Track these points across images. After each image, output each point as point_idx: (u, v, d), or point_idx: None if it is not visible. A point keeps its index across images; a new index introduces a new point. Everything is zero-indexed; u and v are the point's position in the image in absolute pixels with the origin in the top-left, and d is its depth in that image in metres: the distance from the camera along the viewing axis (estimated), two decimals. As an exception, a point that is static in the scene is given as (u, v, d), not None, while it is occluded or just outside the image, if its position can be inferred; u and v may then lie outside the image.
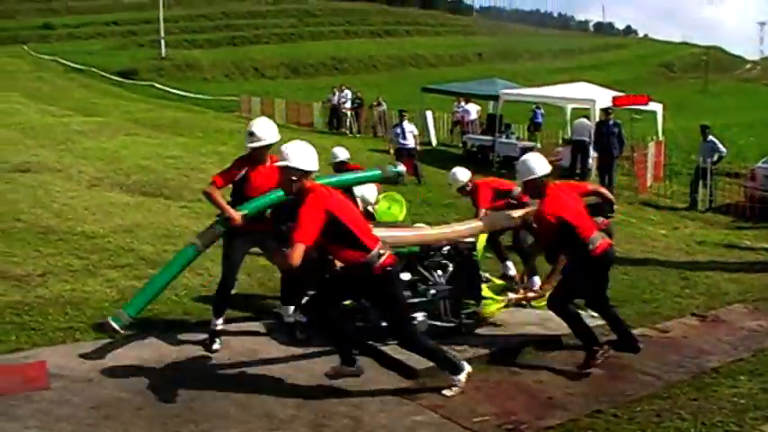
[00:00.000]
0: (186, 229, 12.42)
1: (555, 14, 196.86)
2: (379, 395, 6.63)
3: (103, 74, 58.01)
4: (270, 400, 6.45)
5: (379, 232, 6.81)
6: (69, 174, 18.27)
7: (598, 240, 7.31)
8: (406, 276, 7.66)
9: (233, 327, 8.04)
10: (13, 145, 22.53)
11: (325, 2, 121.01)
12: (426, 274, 7.89)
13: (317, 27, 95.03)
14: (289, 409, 6.30)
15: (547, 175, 7.44)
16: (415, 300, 7.65)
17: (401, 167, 8.95)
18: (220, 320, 7.58)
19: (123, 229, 12.50)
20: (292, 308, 7.97)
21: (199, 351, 7.45)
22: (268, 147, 7.41)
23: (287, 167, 6.17)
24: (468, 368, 6.71)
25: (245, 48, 76.79)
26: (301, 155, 6.23)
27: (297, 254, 5.87)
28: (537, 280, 9.11)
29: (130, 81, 55.40)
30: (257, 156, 7.40)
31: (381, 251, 6.29)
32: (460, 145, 28.19)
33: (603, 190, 8.58)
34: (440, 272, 7.98)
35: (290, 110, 36.70)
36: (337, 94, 33.50)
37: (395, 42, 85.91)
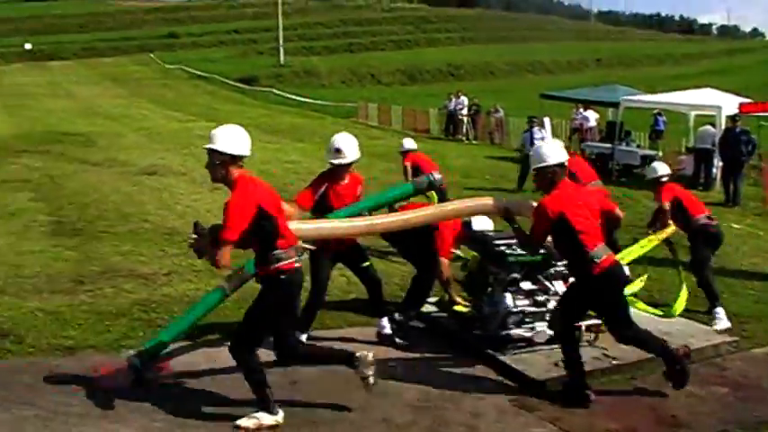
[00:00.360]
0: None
1: (676, 18, 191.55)
2: (496, 405, 6.55)
3: (225, 81, 59.69)
4: (387, 404, 6.48)
5: (308, 225, 6.81)
6: (193, 177, 18.91)
7: (602, 255, 6.35)
8: (526, 285, 7.57)
9: (351, 332, 8.14)
10: (140, 149, 23.50)
11: (440, 8, 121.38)
12: (547, 283, 7.77)
13: (433, 33, 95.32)
14: (407, 415, 6.33)
15: (560, 165, 6.53)
16: (536, 309, 7.55)
17: (436, 175, 8.32)
18: (304, 336, 7.55)
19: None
20: (386, 318, 7.97)
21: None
22: (350, 164, 7.44)
23: (212, 151, 5.66)
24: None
25: (361, 54, 77.75)
26: (229, 138, 5.70)
27: (225, 254, 5.52)
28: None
29: (250, 87, 56.83)
30: (339, 172, 7.45)
31: (298, 251, 5.89)
32: (579, 152, 27.69)
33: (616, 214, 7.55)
34: (560, 282, 7.82)
35: (406, 116, 36.82)
36: (454, 100, 33.40)
37: (512, 48, 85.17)
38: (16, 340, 7.72)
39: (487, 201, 7.32)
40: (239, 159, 5.72)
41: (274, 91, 53.56)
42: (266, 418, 5.92)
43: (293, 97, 49.88)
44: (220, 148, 5.65)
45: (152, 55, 78.62)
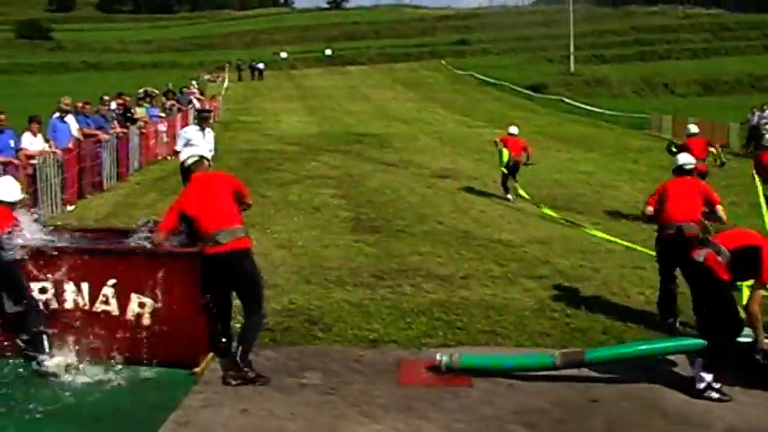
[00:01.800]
0: (599, 245, 12.28)
1: None
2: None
3: (514, 87, 59.95)
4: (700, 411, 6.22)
5: None
6: (485, 182, 19.15)
7: None
8: None
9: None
10: (432, 152, 24.16)
11: (741, 14, 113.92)
12: None
13: (733, 41, 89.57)
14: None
15: None
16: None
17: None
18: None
19: (538, 241, 12.76)
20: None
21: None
22: None
23: None
24: None
25: (654, 63, 74.88)
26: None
27: None
28: None
29: (539, 95, 56.64)
30: None
31: None
32: None
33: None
34: None
35: (703, 130, 34.85)
36: (758, 114, 31.19)
37: (824, 57, 78.09)
38: (325, 328, 8.18)
39: None
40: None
41: (564, 99, 52.98)
42: None
43: (583, 106, 49.06)
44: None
45: (443, 61, 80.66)
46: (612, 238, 12.20)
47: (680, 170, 9.11)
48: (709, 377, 6.78)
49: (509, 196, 16.97)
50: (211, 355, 7.18)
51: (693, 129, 17.26)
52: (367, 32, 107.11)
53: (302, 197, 16.26)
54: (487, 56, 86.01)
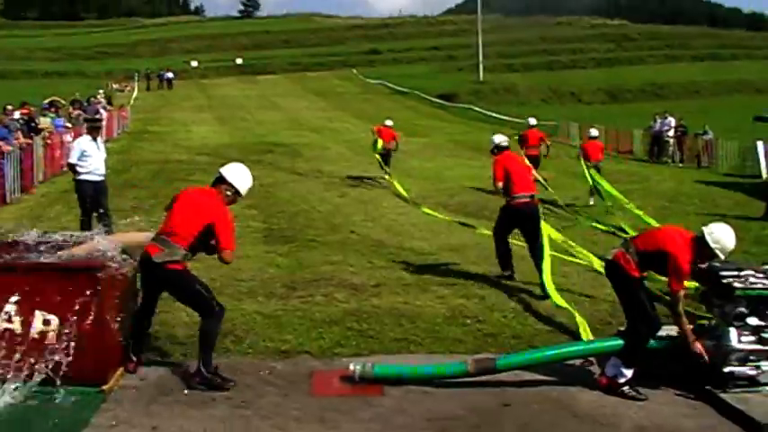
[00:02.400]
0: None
1: None
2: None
3: (425, 96, 60.49)
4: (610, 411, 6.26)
5: None
6: (396, 191, 19.20)
7: None
8: (753, 321, 7.09)
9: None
10: (344, 161, 24.17)
11: (643, 25, 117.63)
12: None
13: (636, 51, 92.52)
14: None
15: None
16: (762, 347, 7.05)
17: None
18: None
19: (450, 248, 12.87)
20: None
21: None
22: None
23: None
24: None
25: (561, 72, 76.70)
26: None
27: None
28: None
29: (450, 104, 57.31)
30: None
31: None
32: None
33: None
34: (794, 317, 7.26)
35: (608, 137, 35.81)
36: (659, 121, 32.21)
37: (719, 67, 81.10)
38: (237, 340, 8.08)
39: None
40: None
41: (474, 107, 53.73)
42: None
43: (492, 114, 49.83)
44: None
45: (354, 70, 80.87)
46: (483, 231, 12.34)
47: (500, 148, 11.67)
48: (629, 372, 7.01)
49: (386, 172, 20.86)
50: (121, 371, 7.01)
51: (532, 121, 23.60)
52: (278, 42, 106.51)
53: (213, 208, 16.03)
54: (398, 65, 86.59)
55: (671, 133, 31.78)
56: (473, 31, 77.02)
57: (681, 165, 30.36)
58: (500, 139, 12.01)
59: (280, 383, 6.97)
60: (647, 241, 7.18)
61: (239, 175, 7.09)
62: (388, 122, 23.11)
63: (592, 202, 18.71)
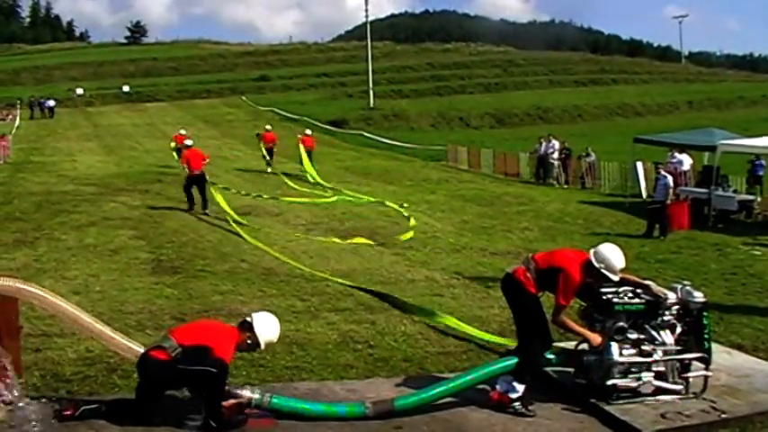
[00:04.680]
0: (401, 276, 12.64)
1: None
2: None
3: (315, 123, 60.52)
4: (500, 429, 6.36)
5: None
6: (286, 218, 19.27)
7: None
8: (632, 335, 7.39)
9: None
10: (235, 189, 23.92)
11: (528, 52, 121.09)
12: (654, 333, 7.56)
13: (522, 77, 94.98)
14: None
15: None
16: (642, 359, 7.35)
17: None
18: None
19: (340, 274, 12.92)
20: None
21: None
22: None
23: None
24: None
25: (450, 97, 77.92)
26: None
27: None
28: None
29: (341, 130, 57.48)
30: None
31: None
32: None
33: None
34: (668, 332, 7.61)
35: (497, 160, 36.70)
36: (545, 144, 33.10)
37: (600, 91, 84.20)
38: (124, 375, 7.89)
39: None
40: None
41: (364, 133, 54.13)
42: None
43: (383, 140, 50.30)
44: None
45: (243, 97, 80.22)
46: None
47: (187, 146, 20.74)
48: (521, 388, 7.17)
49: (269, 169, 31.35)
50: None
51: (308, 131, 34.79)
52: (166, 68, 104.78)
53: (99, 240, 15.67)
54: (288, 92, 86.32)
55: (555, 155, 32.69)
56: (362, 58, 77.68)
57: (566, 186, 31.33)
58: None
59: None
60: (546, 260, 7.36)
61: (268, 329, 6.84)
62: (268, 127, 35.98)
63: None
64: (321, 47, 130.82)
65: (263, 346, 6.83)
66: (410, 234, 17.11)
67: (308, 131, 34.52)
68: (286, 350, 8.71)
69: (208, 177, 20.71)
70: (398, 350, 8.90)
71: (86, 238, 15.83)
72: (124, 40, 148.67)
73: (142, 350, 6.84)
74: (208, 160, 21.28)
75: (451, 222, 19.36)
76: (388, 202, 22.23)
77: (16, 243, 15.23)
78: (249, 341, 6.75)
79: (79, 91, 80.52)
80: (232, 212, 18.52)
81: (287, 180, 27.62)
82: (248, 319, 6.84)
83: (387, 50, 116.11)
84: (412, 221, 18.62)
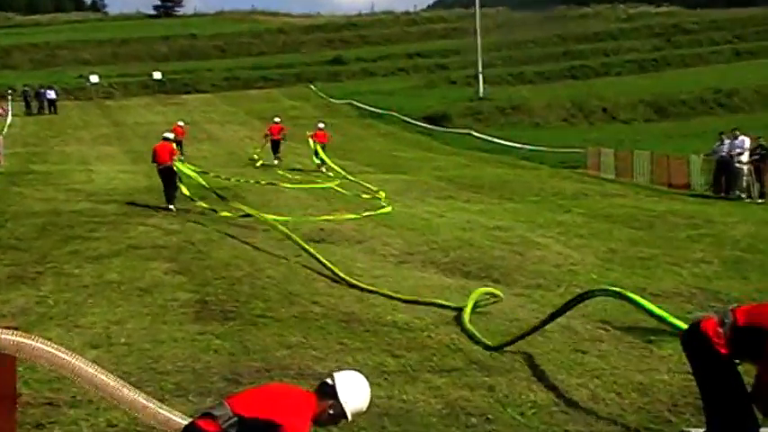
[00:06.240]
0: (526, 324, 12.55)
1: None
2: None
3: (407, 119, 60.71)
4: None
5: None
6: (372, 246, 19.41)
7: None
8: None
9: None
10: (302, 207, 24.19)
11: (702, 11, 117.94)
12: None
13: (691, 48, 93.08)
14: None
15: None
16: None
17: None
18: None
19: (445, 321, 12.92)
20: None
21: None
22: None
23: None
24: None
25: (589, 81, 77.19)
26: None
27: None
28: None
29: (441, 128, 57.54)
30: None
31: None
32: None
33: None
34: None
35: (656, 165, 36.05)
36: (728, 142, 32.24)
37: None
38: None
39: None
40: None
41: (472, 133, 54.12)
42: None
43: (497, 141, 50.18)
44: None
45: (312, 86, 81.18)
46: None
47: (163, 138, 25.98)
48: None
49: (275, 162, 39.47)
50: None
51: (321, 125, 42.09)
52: (209, 49, 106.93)
53: (125, 275, 16.00)
54: (370, 78, 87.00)
55: (744, 158, 31.53)
56: (469, 31, 77.76)
57: (760, 201, 30.28)
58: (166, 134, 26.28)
59: None
60: (752, 316, 6.96)
61: (356, 394, 6.60)
62: (276, 119, 43.81)
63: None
64: (413, 18, 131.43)
65: (350, 418, 6.60)
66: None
67: (321, 125, 41.66)
68: (375, 424, 8.74)
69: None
70: (527, 427, 8.85)
71: (107, 273, 16.17)
72: (152, 11, 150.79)
73: (185, 422, 6.85)
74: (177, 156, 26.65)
75: (594, 252, 19.15)
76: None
77: (11, 280, 15.57)
78: (331, 411, 6.51)
79: (94, 78, 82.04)
80: (298, 239, 18.71)
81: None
82: (329, 381, 6.60)
83: (502, 20, 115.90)
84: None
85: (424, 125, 58.94)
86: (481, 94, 69.01)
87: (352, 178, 32.71)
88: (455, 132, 55.94)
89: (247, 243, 19.51)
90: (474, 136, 53.19)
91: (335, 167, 35.08)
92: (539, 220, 23.76)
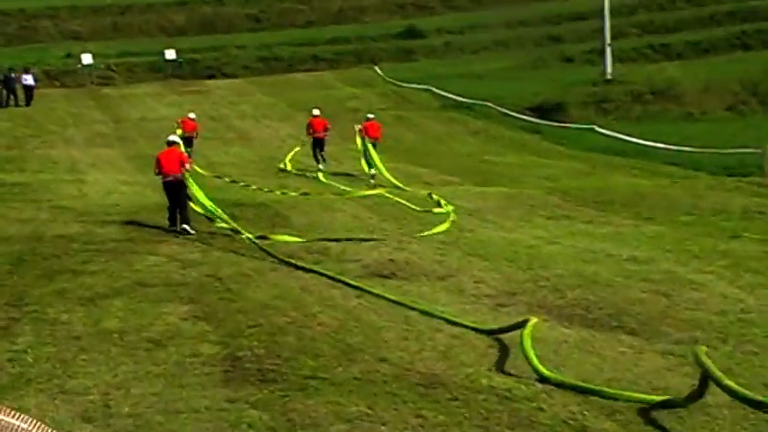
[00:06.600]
0: (676, 392, 12.46)
1: None
2: None
3: (504, 110, 60.40)
4: None
5: None
6: (459, 283, 19.30)
7: None
8: None
9: None
10: (364, 231, 24.23)
11: None
12: None
13: None
14: None
15: None
16: None
17: None
18: None
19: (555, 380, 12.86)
20: None
21: None
22: None
23: None
24: None
25: (762, 54, 75.72)
26: None
27: None
28: None
29: (551, 123, 57.19)
30: None
31: None
32: None
33: None
34: None
35: None
36: None
37: None
38: None
39: None
40: None
41: (596, 128, 53.78)
42: None
43: (631, 139, 49.78)
44: None
45: (377, 68, 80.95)
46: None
47: (168, 143, 26.03)
48: None
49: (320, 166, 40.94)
50: None
51: (370, 114, 43.50)
52: (240, 18, 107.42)
53: (130, 322, 16.19)
54: (455, 56, 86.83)
55: None
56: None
57: None
58: (170, 138, 26.69)
59: None
60: None
61: None
62: (316, 111, 43.76)
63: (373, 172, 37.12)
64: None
65: None
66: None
67: (371, 115, 43.52)
68: None
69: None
70: None
71: (106, 320, 16.37)
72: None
73: None
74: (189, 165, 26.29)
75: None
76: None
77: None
78: None
79: (86, 59, 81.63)
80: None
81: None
82: None
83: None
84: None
85: (530, 119, 58.44)
86: (609, 76, 67.97)
87: (403, 186, 33.74)
88: (572, 128, 55.43)
89: (290, 278, 19.61)
90: (599, 133, 52.70)
91: (388, 175, 36.03)
92: (693, 249, 23.44)
